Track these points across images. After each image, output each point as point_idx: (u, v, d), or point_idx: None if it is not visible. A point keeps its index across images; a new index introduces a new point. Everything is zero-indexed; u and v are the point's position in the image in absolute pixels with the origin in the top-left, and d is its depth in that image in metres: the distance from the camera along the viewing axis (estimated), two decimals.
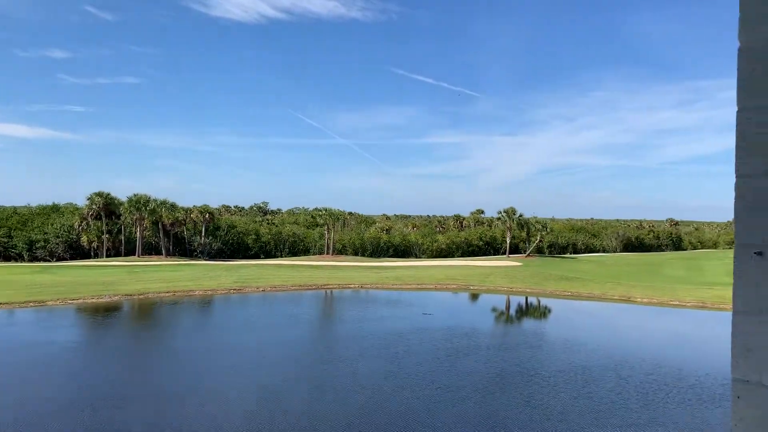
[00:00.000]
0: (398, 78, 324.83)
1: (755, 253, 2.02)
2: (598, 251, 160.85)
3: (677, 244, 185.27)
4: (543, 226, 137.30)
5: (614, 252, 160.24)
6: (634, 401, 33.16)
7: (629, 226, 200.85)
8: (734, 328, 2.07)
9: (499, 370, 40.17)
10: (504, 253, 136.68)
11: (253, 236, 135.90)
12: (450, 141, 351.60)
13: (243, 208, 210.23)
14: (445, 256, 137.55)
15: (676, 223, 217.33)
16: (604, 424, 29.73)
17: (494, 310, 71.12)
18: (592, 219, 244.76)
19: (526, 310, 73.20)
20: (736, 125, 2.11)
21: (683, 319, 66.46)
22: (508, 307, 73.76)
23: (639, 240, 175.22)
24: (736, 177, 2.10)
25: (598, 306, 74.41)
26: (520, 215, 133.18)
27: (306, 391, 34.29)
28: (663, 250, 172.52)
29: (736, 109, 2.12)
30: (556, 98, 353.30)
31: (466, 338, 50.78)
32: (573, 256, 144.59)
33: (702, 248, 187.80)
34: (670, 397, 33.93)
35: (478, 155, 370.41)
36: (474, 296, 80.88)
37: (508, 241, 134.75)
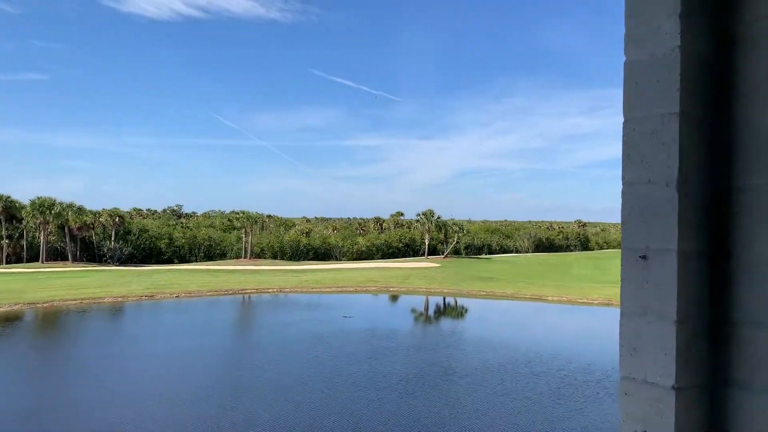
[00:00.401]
0: (318, 80, 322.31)
1: (640, 257, 2.13)
2: (511, 252, 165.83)
3: (585, 245, 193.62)
4: (460, 228, 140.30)
5: (527, 252, 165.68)
6: (547, 397, 34.53)
7: (540, 227, 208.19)
8: (621, 328, 2.19)
9: (419, 370, 40.78)
10: (423, 255, 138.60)
11: (167, 240, 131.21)
12: (371, 144, 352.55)
13: (156, 211, 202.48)
14: (366, 259, 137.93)
15: (584, 225, 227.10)
16: (519, 421, 30.81)
17: (413, 311, 72.05)
18: (506, 220, 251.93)
19: (444, 311, 74.59)
20: (623, 135, 2.22)
21: (591, 316, 69.69)
22: (426, 308, 74.91)
23: (549, 241, 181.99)
24: (623, 184, 2.21)
25: (511, 305, 76.84)
26: (438, 217, 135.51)
27: (223, 398, 33.56)
28: (572, 251, 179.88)
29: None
30: (473, 104, 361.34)
31: (386, 339, 51.20)
32: (488, 256, 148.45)
33: (608, 248, 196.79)
34: (579, 392, 35.55)
35: (398, 158, 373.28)
36: (394, 298, 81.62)
37: (426, 243, 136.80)
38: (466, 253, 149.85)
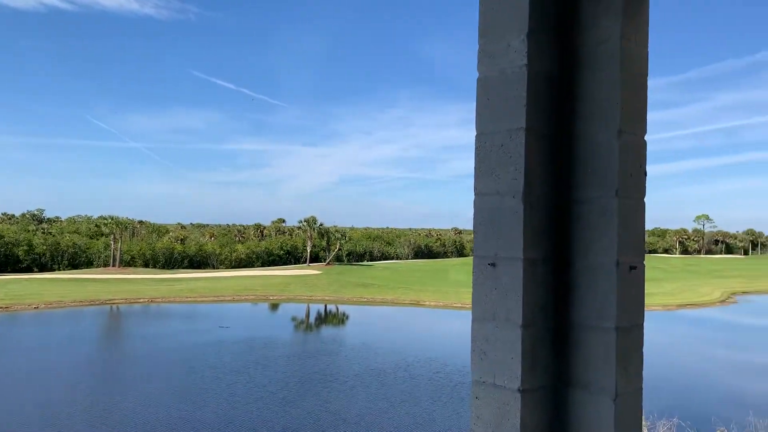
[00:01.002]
0: (197, 81, 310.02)
1: (489, 264, 2.21)
2: (392, 258, 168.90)
3: (460, 251, 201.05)
4: (342, 235, 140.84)
5: (406, 259, 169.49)
6: (426, 399, 35.40)
7: (420, 234, 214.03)
8: (473, 333, 2.26)
9: (299, 378, 40.38)
10: (305, 262, 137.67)
11: (25, 247, 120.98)
12: (252, 148, 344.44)
13: (14, 215, 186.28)
14: (245, 266, 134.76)
15: (460, 232, 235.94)
16: (399, 424, 31.32)
17: (293, 319, 71.29)
18: (388, 227, 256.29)
19: (325, 318, 74.47)
20: (475, 148, 2.30)
21: (466, 320, 71.76)
22: (307, 316, 74.42)
23: (428, 247, 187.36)
24: (474, 195, 2.29)
25: (391, 310, 78.16)
26: (321, 224, 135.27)
27: (88, 417, 31.37)
28: (448, 257, 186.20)
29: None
30: (356, 112, 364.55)
31: (265, 349, 50.26)
32: (370, 263, 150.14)
33: None
34: (455, 392, 36.77)
35: (281, 164, 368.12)
36: (274, 306, 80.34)
37: (308, 250, 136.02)
38: (348, 260, 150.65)
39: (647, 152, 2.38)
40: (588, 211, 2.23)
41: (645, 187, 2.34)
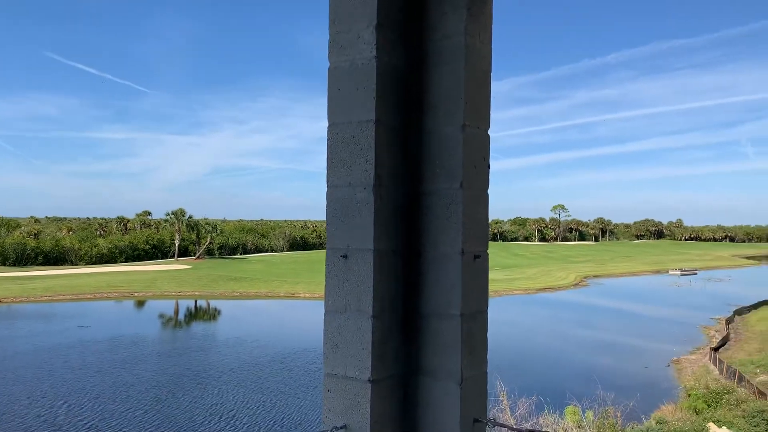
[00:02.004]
0: (53, 63, 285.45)
1: (341, 256, 2.22)
2: (267, 251, 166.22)
3: None
4: (213, 228, 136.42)
5: (282, 251, 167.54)
6: (302, 389, 35.33)
7: (295, 226, 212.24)
8: (325, 326, 2.27)
9: (170, 376, 38.78)
10: (173, 257, 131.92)
11: None
12: (116, 137, 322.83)
13: None
14: (107, 262, 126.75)
15: None
16: (275, 416, 30.99)
17: (162, 316, 68.16)
18: (262, 219, 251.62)
19: (196, 314, 71.99)
20: (327, 140, 2.29)
21: None
22: (176, 312, 71.51)
23: (304, 239, 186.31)
24: (327, 187, 2.28)
25: (266, 303, 77.04)
26: (190, 217, 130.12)
27: None
28: (324, 248, 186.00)
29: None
30: (228, 100, 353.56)
31: (132, 348, 47.74)
32: (243, 256, 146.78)
33: None
34: None
35: (147, 153, 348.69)
36: (140, 303, 76.35)
37: (177, 244, 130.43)
38: (220, 254, 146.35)
39: (491, 145, 2.48)
40: (436, 203, 2.29)
41: (488, 179, 2.44)
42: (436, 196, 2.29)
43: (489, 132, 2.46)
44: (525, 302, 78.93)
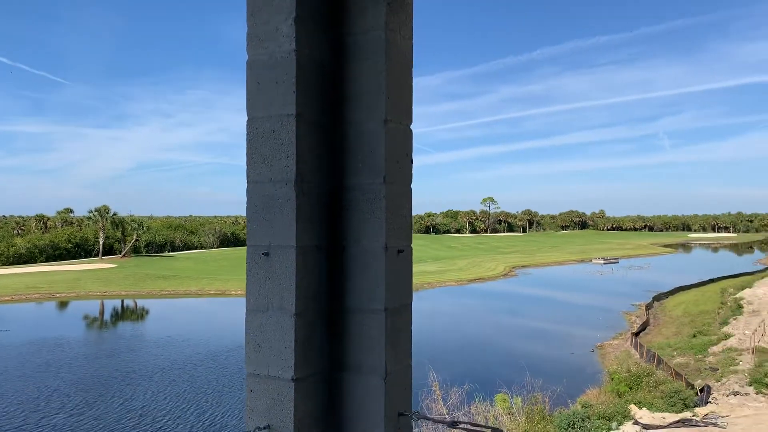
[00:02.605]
0: None
1: (263, 254, 2.17)
2: (196, 248, 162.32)
3: None
4: (140, 225, 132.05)
5: (212, 248, 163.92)
6: (237, 387, 34.75)
7: (226, 222, 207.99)
8: (247, 325, 2.23)
9: (98, 378, 37.39)
10: (97, 256, 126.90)
11: None
12: (31, 130, 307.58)
13: None
14: (26, 262, 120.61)
15: None
16: (210, 415, 30.36)
17: (87, 317, 65.48)
18: (191, 216, 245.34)
19: (123, 314, 69.57)
20: (247, 134, 2.23)
21: None
22: (102, 313, 68.90)
23: (235, 235, 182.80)
24: (247, 183, 2.23)
25: (196, 302, 75.28)
26: (115, 214, 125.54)
27: None
28: None
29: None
30: (153, 93, 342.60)
31: (57, 350, 45.70)
32: (171, 254, 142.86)
33: None
34: None
35: (66, 148, 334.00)
36: (63, 305, 73.09)
37: (101, 242, 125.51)
38: (147, 252, 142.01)
39: (421, 140, 2.53)
40: (359, 198, 2.28)
41: (411, 174, 2.45)
42: (359, 191, 2.28)
43: (412, 127, 2.47)
44: (457, 293, 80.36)
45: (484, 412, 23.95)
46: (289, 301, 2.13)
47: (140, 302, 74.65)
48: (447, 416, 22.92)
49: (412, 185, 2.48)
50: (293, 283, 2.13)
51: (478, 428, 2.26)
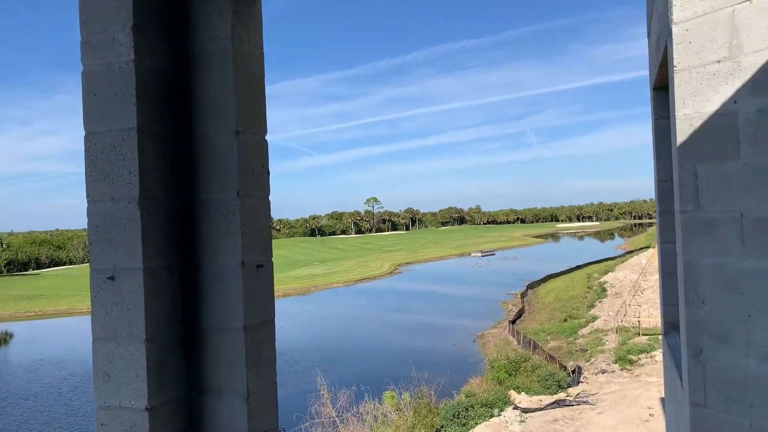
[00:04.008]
0: None
1: (108, 278, 2.07)
2: (65, 264, 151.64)
3: None
4: None
5: (82, 263, 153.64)
6: None
7: None
8: (94, 355, 2.09)
9: None
10: None
11: None
12: None
13: None
14: None
15: None
16: None
17: None
18: (57, 230, 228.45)
19: None
20: (84, 150, 2.11)
21: None
22: None
23: None
24: (87, 203, 2.12)
25: (68, 321, 70.19)
26: None
27: None
28: None
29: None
30: (9, 98, 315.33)
31: None
32: (36, 272, 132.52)
33: None
34: None
35: None
36: None
37: None
38: (9, 271, 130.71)
39: (269, 151, 2.44)
40: (213, 213, 2.20)
41: (269, 185, 2.40)
42: (212, 206, 2.19)
43: (269, 138, 2.42)
44: (344, 294, 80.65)
45: (372, 410, 24.19)
46: (139, 327, 2.01)
47: (2, 326, 68.44)
48: (336, 419, 22.93)
49: (271, 196, 2.42)
50: (142, 307, 2.01)
51: None
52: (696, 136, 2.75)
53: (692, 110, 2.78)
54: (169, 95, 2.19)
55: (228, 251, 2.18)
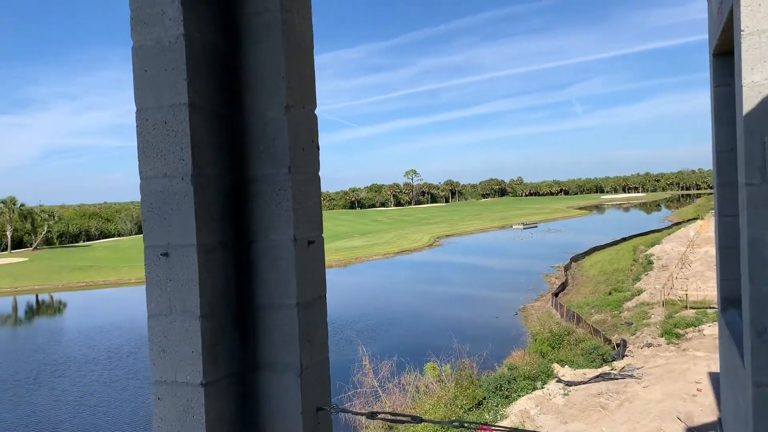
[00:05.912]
0: None
1: (162, 254, 2.05)
2: (113, 236, 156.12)
3: None
4: (51, 215, 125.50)
5: (130, 235, 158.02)
6: None
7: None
8: (149, 330, 2.10)
9: (27, 371, 36.07)
10: (5, 249, 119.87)
11: None
12: None
13: None
14: None
15: None
16: (135, 406, 29.54)
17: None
18: (105, 203, 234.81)
19: (38, 309, 66.19)
20: (137, 126, 2.09)
21: None
22: (15, 310, 65.26)
23: None
24: (140, 179, 2.09)
25: (118, 291, 72.57)
26: (23, 205, 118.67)
27: None
28: None
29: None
30: (57, 74, 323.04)
31: None
32: (87, 243, 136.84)
33: None
34: None
35: None
36: None
37: (9, 235, 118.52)
38: (61, 243, 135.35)
39: (319, 125, 2.39)
40: (264, 189, 2.17)
41: (318, 161, 2.36)
42: (263, 182, 2.17)
43: (317, 112, 2.38)
44: (384, 266, 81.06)
45: (414, 381, 24.41)
46: (194, 303, 2.02)
47: (57, 296, 71.21)
48: (378, 389, 23.23)
49: (321, 172, 2.39)
50: (196, 284, 2.01)
51: (397, 417, 2.23)
52: (765, 104, 2.59)
53: (761, 77, 2.62)
54: (218, 70, 2.16)
55: (280, 227, 2.16)
